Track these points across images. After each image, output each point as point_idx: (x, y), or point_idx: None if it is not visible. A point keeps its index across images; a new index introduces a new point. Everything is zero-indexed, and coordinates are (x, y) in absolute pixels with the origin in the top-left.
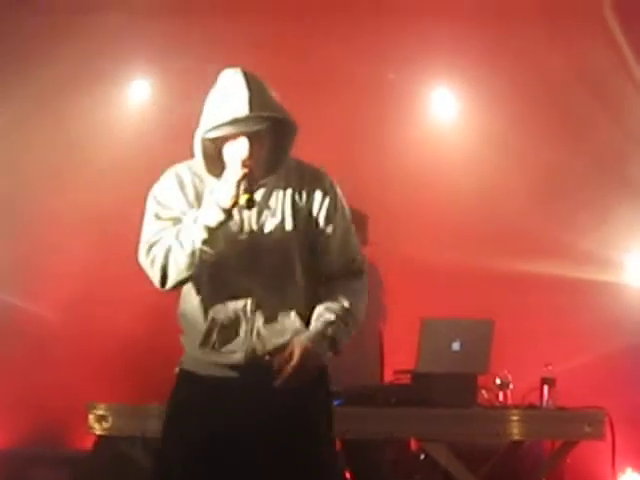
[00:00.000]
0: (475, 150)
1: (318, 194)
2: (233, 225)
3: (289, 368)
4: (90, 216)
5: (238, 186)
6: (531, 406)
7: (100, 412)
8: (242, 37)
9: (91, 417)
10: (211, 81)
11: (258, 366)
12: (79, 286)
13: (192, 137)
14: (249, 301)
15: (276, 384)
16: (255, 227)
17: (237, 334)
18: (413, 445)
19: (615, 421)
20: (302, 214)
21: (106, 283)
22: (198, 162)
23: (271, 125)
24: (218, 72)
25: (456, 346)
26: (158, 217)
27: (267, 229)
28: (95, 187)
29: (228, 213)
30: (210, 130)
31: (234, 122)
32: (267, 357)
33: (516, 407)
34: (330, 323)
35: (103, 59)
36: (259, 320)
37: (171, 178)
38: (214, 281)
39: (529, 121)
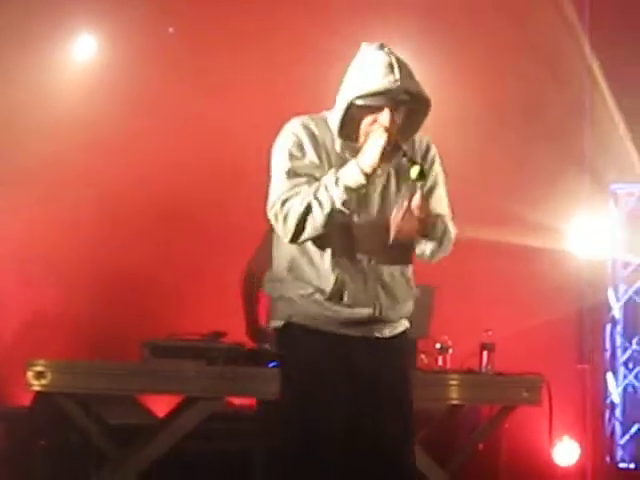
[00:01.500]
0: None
1: (433, 159)
2: (363, 190)
3: (414, 208)
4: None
5: (381, 152)
6: (470, 371)
7: (38, 368)
8: None
9: (29, 373)
10: (159, 37)
11: (381, 320)
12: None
13: (135, 94)
14: (373, 259)
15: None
16: (380, 191)
17: (363, 290)
18: None
19: (553, 388)
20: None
21: (43, 243)
22: (318, 119)
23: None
24: (166, 29)
25: None
26: (288, 173)
27: (391, 193)
28: (38, 140)
29: (368, 177)
30: (360, 97)
31: (386, 92)
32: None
33: (455, 372)
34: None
35: (49, 13)
36: (383, 276)
37: (290, 135)
38: (342, 240)
39: (478, 91)
